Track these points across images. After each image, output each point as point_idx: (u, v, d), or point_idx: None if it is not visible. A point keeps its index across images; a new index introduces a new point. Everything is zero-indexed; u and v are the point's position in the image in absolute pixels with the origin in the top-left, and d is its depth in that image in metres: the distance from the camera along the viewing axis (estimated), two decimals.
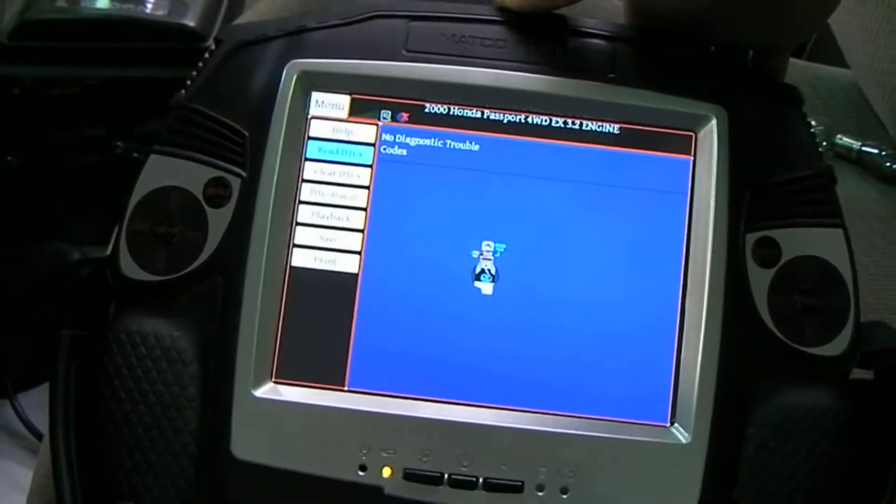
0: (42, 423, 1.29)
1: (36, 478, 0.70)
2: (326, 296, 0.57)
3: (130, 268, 0.57)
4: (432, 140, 0.58)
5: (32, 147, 1.21)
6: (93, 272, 0.60)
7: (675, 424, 0.55)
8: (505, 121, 0.58)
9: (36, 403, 1.32)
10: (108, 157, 1.19)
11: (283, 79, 0.58)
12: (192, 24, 1.05)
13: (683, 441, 0.54)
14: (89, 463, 0.57)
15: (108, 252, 0.59)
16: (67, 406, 0.58)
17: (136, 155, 1.17)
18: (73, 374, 0.58)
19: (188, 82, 0.59)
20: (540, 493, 0.54)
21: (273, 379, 0.56)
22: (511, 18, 0.59)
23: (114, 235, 0.59)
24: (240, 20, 0.90)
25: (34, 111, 1.14)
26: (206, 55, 0.60)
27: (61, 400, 0.58)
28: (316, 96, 0.58)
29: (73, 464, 0.58)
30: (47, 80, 1.08)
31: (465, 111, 0.58)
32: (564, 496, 0.54)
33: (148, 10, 1.07)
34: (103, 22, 1.06)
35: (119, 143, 1.17)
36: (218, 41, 0.60)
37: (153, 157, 0.58)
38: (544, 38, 0.59)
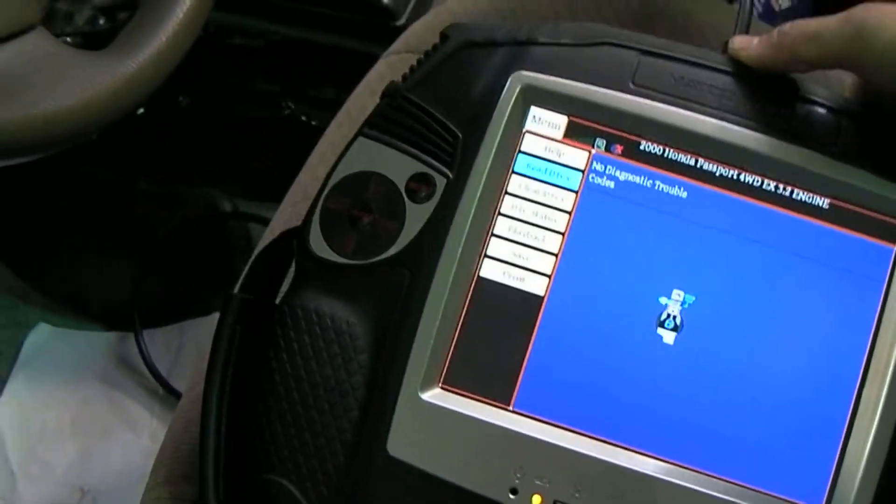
0: (161, 363, 1.31)
1: (171, 432, 0.68)
2: (508, 312, 0.54)
3: (319, 245, 0.55)
4: (642, 178, 0.55)
5: (204, 91, 1.21)
6: (278, 241, 0.58)
7: None
8: (717, 173, 0.54)
9: (159, 342, 1.33)
10: (275, 115, 1.19)
11: (506, 88, 0.55)
12: (385, 0, 1.02)
13: None
14: (237, 430, 0.56)
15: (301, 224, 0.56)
16: (226, 368, 0.57)
17: (303, 118, 1.16)
18: (237, 338, 0.57)
19: (408, 72, 0.56)
20: None
21: (441, 384, 0.54)
22: (742, 71, 0.56)
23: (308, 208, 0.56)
24: (434, 8, 0.87)
25: (212, 56, 1.12)
26: (431, 48, 0.56)
27: (221, 361, 0.57)
28: (535, 111, 0.55)
29: (221, 427, 0.56)
30: (231, 27, 1.05)
31: (680, 156, 0.54)
32: None
33: None
34: None
35: (290, 104, 1.15)
36: (444, 37, 0.57)
37: (360, 140, 0.56)
38: (772, 98, 0.55)
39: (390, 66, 0.80)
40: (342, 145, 0.57)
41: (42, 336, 1.36)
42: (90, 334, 1.36)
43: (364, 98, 0.79)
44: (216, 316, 0.58)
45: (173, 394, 1.30)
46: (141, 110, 1.25)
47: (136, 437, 1.28)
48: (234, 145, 1.27)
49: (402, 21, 1.10)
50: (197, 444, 0.58)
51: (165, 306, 1.36)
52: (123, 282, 1.35)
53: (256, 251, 0.61)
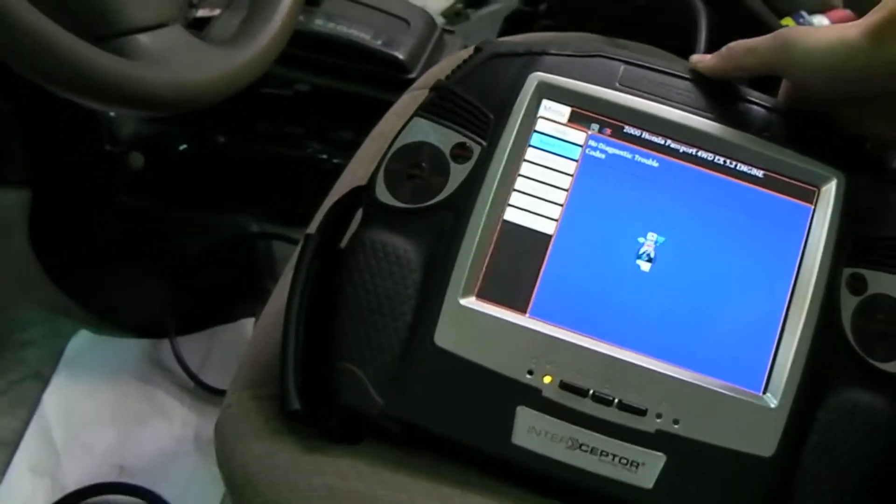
0: (192, 363, 1.43)
1: (250, 347, 0.79)
2: (525, 246, 0.69)
3: (383, 194, 0.71)
4: (625, 152, 0.71)
5: (239, 132, 1.34)
6: (347, 195, 0.73)
7: (767, 393, 0.66)
8: (681, 150, 0.70)
9: (190, 346, 1.44)
10: (300, 155, 1.32)
11: (524, 85, 0.72)
12: (401, 56, 1.19)
13: (771, 406, 0.66)
14: (312, 334, 0.70)
15: (367, 183, 0.72)
16: (305, 288, 0.71)
17: (324, 156, 1.30)
18: (314, 268, 0.71)
19: (451, 72, 0.72)
20: (658, 420, 0.65)
21: (475, 295, 0.68)
22: (700, 78, 0.73)
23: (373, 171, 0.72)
24: (446, 58, 1.03)
25: (247, 102, 1.26)
26: (468, 57, 0.73)
27: (301, 282, 0.71)
28: (546, 103, 0.72)
29: (299, 333, 0.70)
30: (266, 77, 1.21)
31: (653, 137, 0.71)
32: (676, 426, 0.65)
33: (367, 38, 1.20)
34: (328, 38, 1.21)
35: (313, 145, 1.29)
36: (478, 49, 0.74)
37: (416, 119, 0.72)
38: (721, 97, 0.72)
39: (413, 99, 0.96)
40: (376, 155, 0.73)
41: (83, 340, 1.47)
42: (127, 340, 1.48)
43: (393, 120, 0.94)
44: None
45: (204, 388, 1.41)
46: (183, 146, 1.40)
47: (168, 424, 1.38)
48: (263, 179, 1.40)
49: (414, 75, 1.26)
50: (273, 355, 0.71)
51: (196, 316, 1.47)
52: (158, 298, 1.47)
53: (328, 202, 0.75)
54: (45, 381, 1.43)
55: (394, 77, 1.24)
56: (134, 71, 0.78)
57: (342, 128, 1.35)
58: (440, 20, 1.49)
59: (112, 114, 1.38)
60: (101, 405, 1.41)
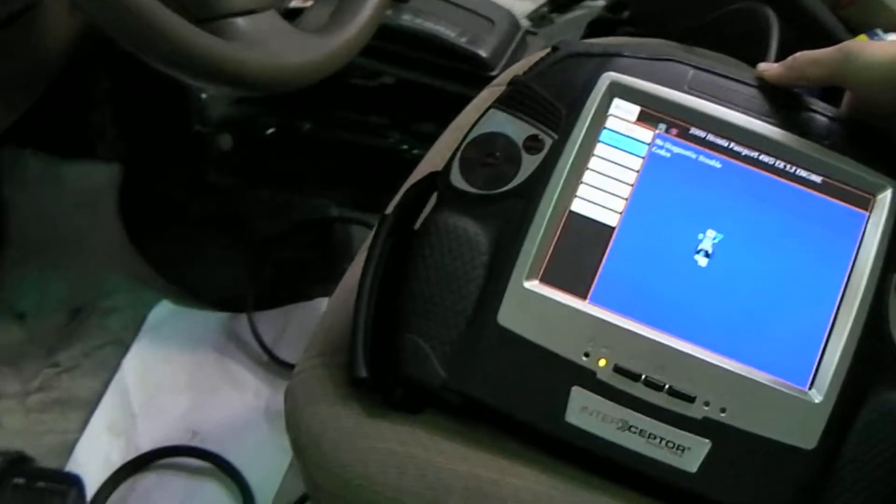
0: (267, 339, 1.47)
1: (324, 318, 0.83)
2: (589, 236, 0.72)
3: (458, 179, 0.74)
4: (689, 152, 0.73)
5: (324, 120, 1.39)
6: (424, 179, 0.77)
7: (813, 389, 0.68)
8: (743, 153, 0.73)
9: (266, 322, 1.49)
10: (381, 144, 1.36)
11: (597, 83, 0.75)
12: (484, 54, 1.22)
13: (816, 401, 0.68)
14: (383, 307, 0.73)
15: (442, 169, 0.76)
16: (378, 263, 0.74)
17: (404, 147, 1.33)
18: (388, 246, 0.75)
19: (529, 68, 0.75)
20: (705, 407, 0.68)
21: (539, 278, 0.71)
22: (765, 85, 0.75)
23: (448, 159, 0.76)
24: (526, 58, 1.06)
25: (334, 92, 1.31)
26: (546, 54, 0.76)
27: (375, 258, 0.74)
28: (617, 101, 0.74)
29: (371, 305, 0.73)
30: (353, 68, 1.25)
31: (717, 139, 0.73)
32: (722, 414, 0.68)
33: (452, 35, 1.23)
34: (414, 34, 1.24)
35: (395, 135, 1.33)
36: (556, 48, 0.77)
37: (492, 110, 0.76)
38: (785, 104, 0.75)
39: (492, 94, 0.98)
40: (454, 145, 0.77)
41: (164, 311, 1.52)
42: (206, 313, 1.53)
43: (472, 113, 0.96)
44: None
45: (277, 362, 1.46)
46: (271, 130, 1.44)
47: (241, 394, 1.42)
48: (345, 166, 1.45)
49: (495, 72, 1.29)
50: (345, 326, 0.75)
51: (274, 294, 1.51)
52: (238, 274, 1.52)
53: (405, 187, 0.79)
54: (125, 348, 1.48)
55: (476, 74, 1.27)
56: (230, 51, 0.82)
57: (424, 120, 1.38)
58: (526, 23, 1.52)
59: (203, 96, 1.43)
60: (177, 372, 1.46)
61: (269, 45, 0.87)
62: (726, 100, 0.74)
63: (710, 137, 0.73)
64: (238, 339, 1.50)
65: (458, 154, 0.74)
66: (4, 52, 0.93)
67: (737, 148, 0.73)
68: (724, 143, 0.73)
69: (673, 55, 0.76)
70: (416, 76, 1.30)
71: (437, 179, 0.75)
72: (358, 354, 0.72)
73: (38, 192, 1.63)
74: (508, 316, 0.70)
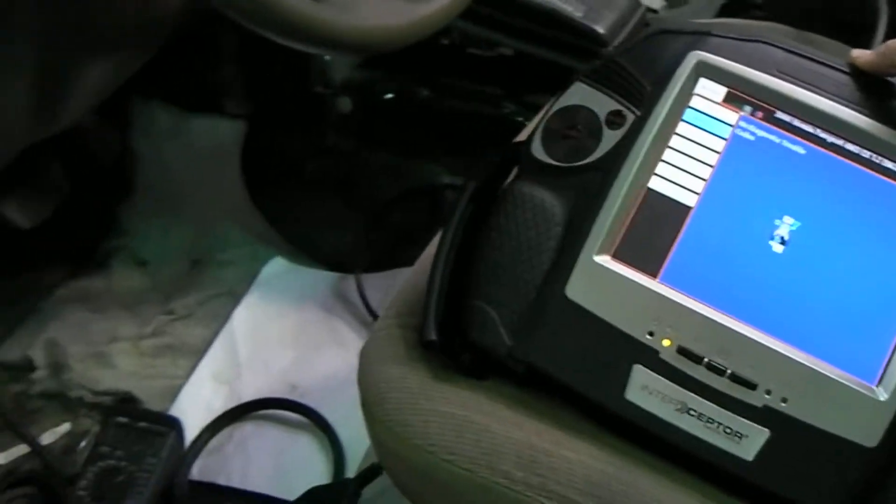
0: (373, 301, 1.49)
1: (405, 283, 0.84)
2: (665, 214, 0.71)
3: (539, 151, 0.74)
4: (774, 136, 0.72)
5: (441, 87, 1.40)
6: (508, 150, 0.77)
7: (880, 386, 0.67)
8: (829, 140, 0.71)
9: (373, 285, 1.51)
10: (496, 113, 1.37)
11: (684, 61, 0.73)
12: (601, 30, 1.21)
13: (882, 399, 0.66)
14: (458, 273, 0.74)
15: (524, 140, 0.76)
16: (457, 229, 0.75)
17: (518, 118, 1.34)
18: (467, 212, 0.76)
19: (619, 44, 0.75)
20: (767, 395, 0.67)
21: (611, 254, 0.71)
22: (858, 72, 0.73)
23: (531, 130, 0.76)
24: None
25: (453, 61, 1.32)
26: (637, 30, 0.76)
27: (454, 225, 0.75)
28: (703, 81, 0.73)
29: (446, 271, 0.75)
30: (471, 38, 1.26)
31: (803, 125, 0.72)
32: (783, 404, 0.67)
33: (570, 10, 1.23)
34: (533, 7, 1.24)
35: (510, 106, 1.34)
36: (647, 24, 0.76)
37: (577, 84, 0.76)
38: (876, 93, 0.72)
39: None
40: None
41: (276, 267, 1.56)
42: (316, 271, 1.56)
43: None
44: None
45: None
46: (389, 95, 1.46)
47: (344, 353, 1.44)
48: (459, 134, 1.46)
49: (611, 49, 1.29)
50: (423, 291, 0.75)
51: (382, 257, 1.53)
52: (350, 236, 1.55)
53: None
54: (237, 300, 1.52)
55: (592, 49, 1.26)
56: (320, 13, 0.83)
57: (538, 92, 1.38)
58: (661, 3, 1.50)
59: (327, 58, 1.45)
60: (284, 327, 1.49)
61: (359, 8, 0.88)
62: (816, 85, 0.72)
63: (796, 123, 0.72)
64: (345, 299, 1.52)
65: (541, 125, 0.74)
66: (117, 5, 0.95)
67: (822, 135, 0.71)
68: (809, 129, 0.72)
69: (765, 37, 0.74)
70: (533, 49, 1.30)
71: (520, 149, 0.74)
72: (429, 317, 0.73)
73: (165, 144, 1.68)
74: (576, 289, 0.70)
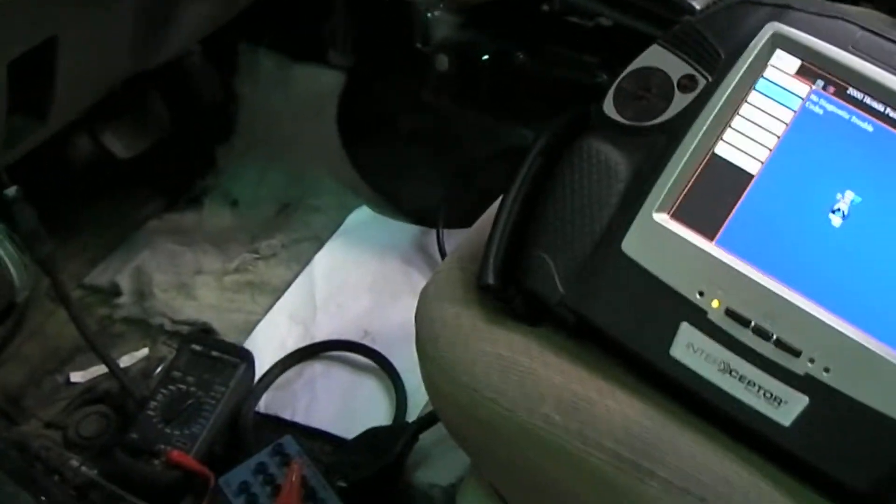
0: None
1: (471, 231, 0.86)
2: (727, 179, 0.72)
3: (610, 109, 0.76)
4: (843, 112, 0.72)
5: (538, 53, 1.42)
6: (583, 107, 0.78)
7: None
8: None
9: (453, 240, 1.52)
10: (589, 81, 1.39)
11: (761, 32, 0.74)
12: (697, 6, 1.22)
13: None
14: (521, 223, 0.76)
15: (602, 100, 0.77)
16: (525, 179, 0.77)
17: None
18: (536, 164, 0.78)
19: (699, 10, 0.76)
20: (810, 364, 0.67)
21: (670, 213, 0.72)
22: None
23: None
24: None
25: (552, 28, 1.34)
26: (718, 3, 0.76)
27: (522, 174, 0.78)
28: (778, 53, 0.74)
29: (509, 221, 0.77)
30: (571, 6, 1.27)
31: (874, 103, 0.71)
32: (825, 374, 0.67)
33: None
34: None
35: (603, 75, 1.35)
36: None
37: (654, 46, 0.77)
38: None
39: None
40: None
41: (362, 215, 1.60)
42: (400, 223, 1.60)
43: None
44: None
45: None
46: (486, 57, 1.48)
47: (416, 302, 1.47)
48: (551, 99, 1.46)
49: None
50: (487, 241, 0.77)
51: (465, 215, 1.54)
52: (436, 191, 1.56)
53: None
54: (320, 245, 1.56)
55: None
56: None
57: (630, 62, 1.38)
58: None
59: (429, 15, 1.47)
60: (362, 274, 1.52)
61: None
62: (890, 64, 0.72)
63: (867, 100, 0.72)
64: (425, 252, 1.55)
65: (615, 85, 0.75)
66: None
67: (893, 114, 0.71)
68: (880, 107, 0.71)
69: (844, 14, 0.75)
70: (631, 21, 1.30)
71: (592, 107, 0.76)
72: (489, 261, 0.75)
73: (267, 90, 1.71)
74: (632, 245, 0.72)
